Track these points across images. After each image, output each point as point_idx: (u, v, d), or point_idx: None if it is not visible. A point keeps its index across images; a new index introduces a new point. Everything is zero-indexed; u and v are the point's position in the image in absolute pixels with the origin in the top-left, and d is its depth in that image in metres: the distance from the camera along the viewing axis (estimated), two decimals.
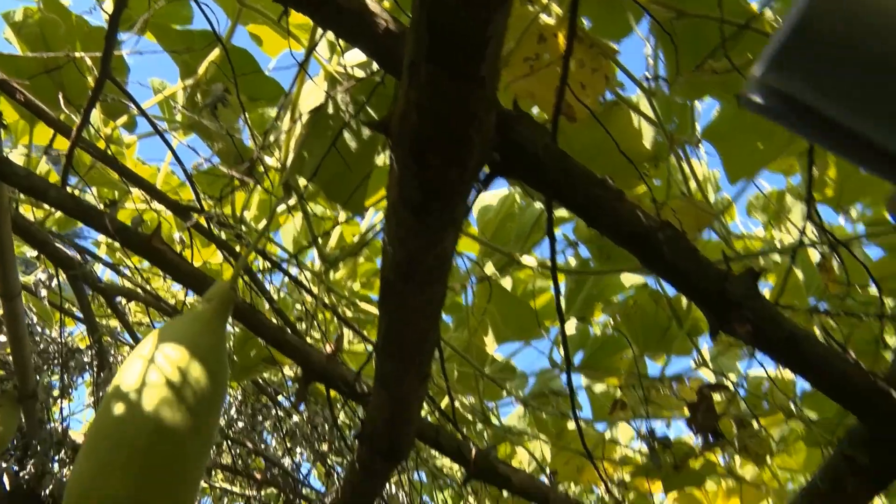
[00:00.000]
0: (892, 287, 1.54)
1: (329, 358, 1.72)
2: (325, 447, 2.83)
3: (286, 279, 1.80)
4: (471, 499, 2.57)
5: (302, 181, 1.26)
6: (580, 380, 2.16)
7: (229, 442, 2.90)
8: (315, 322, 1.86)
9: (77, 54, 1.41)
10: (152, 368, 1.00)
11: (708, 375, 1.81)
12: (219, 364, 1.07)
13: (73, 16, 1.53)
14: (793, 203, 1.71)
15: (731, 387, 1.71)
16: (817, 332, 1.50)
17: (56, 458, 2.69)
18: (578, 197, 0.99)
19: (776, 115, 0.40)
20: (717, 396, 1.44)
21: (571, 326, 2.11)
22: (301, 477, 2.99)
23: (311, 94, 1.22)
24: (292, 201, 1.45)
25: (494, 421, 2.13)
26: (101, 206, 1.51)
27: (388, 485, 3.08)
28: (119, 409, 0.98)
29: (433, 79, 0.76)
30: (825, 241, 1.34)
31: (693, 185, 1.38)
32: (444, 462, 2.72)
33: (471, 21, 0.70)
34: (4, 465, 2.58)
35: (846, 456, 1.33)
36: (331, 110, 1.18)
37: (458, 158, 0.82)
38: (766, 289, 1.80)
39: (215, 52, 1.39)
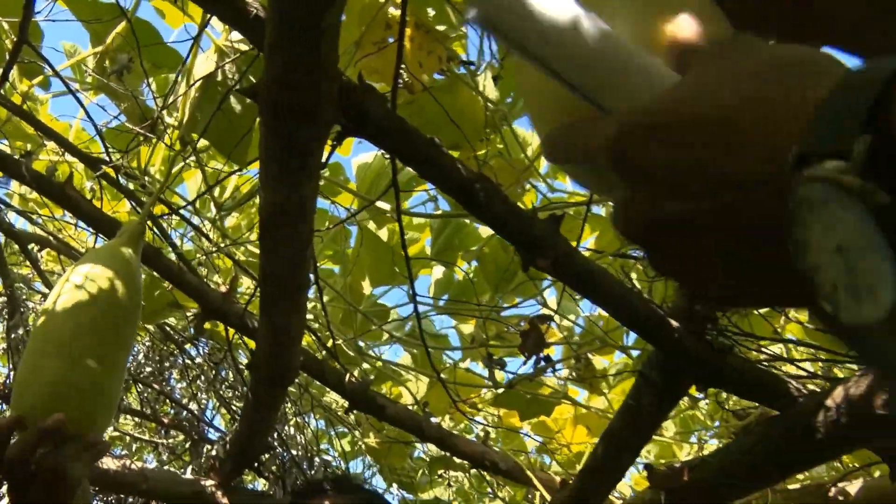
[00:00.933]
0: None
1: (224, 296, 1.94)
2: (228, 393, 3.05)
3: (188, 228, 2.02)
4: (357, 432, 2.84)
5: (196, 137, 1.48)
6: (450, 321, 2.46)
7: (138, 386, 3.09)
8: (213, 266, 2.08)
9: None
10: (74, 282, 1.21)
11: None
12: (132, 281, 1.28)
13: None
14: None
15: (570, 324, 2.03)
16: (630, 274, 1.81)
17: None
18: (414, 154, 1.24)
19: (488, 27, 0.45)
20: (550, 328, 1.73)
21: (439, 271, 2.40)
22: (207, 420, 3.20)
23: (204, 64, 1.43)
24: (190, 157, 1.66)
25: (373, 356, 2.40)
26: (18, 157, 1.69)
27: (287, 426, 3.31)
28: (47, 316, 1.20)
29: (285, 58, 1.00)
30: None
31: (518, 148, 1.66)
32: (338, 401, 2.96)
33: (310, 13, 0.94)
34: None
35: (643, 374, 1.64)
36: (220, 78, 1.40)
37: (308, 121, 1.06)
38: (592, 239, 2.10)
39: (122, 24, 1.57)
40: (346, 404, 2.22)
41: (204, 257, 2.10)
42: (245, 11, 1.09)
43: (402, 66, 1.30)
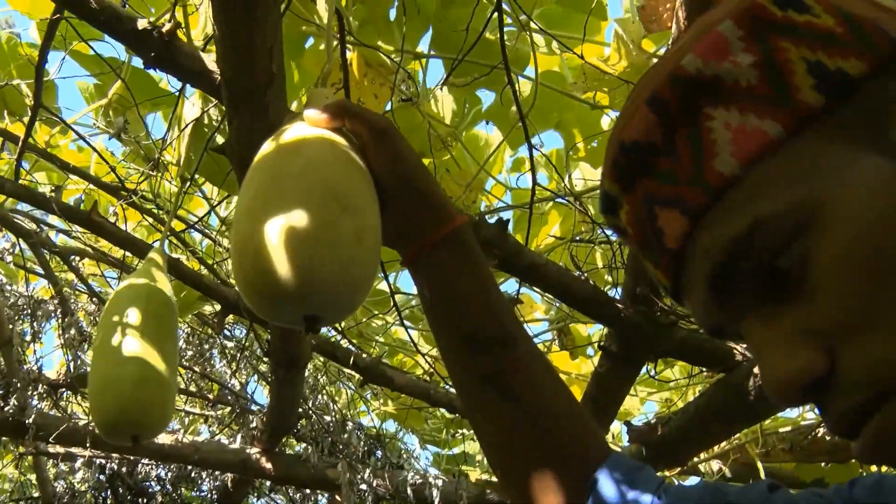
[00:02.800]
0: None
1: (239, 293, 2.20)
2: (263, 367, 3.34)
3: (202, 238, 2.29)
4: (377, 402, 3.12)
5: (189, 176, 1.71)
6: None
7: (183, 369, 3.40)
8: (227, 266, 2.34)
9: (15, 82, 1.82)
10: (123, 298, 1.46)
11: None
12: (167, 295, 1.53)
13: (4, 45, 1.92)
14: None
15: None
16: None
17: (34, 394, 3.16)
18: None
19: None
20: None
21: None
22: (248, 393, 3.51)
23: (192, 109, 1.65)
24: (189, 187, 1.90)
25: (380, 338, 2.66)
26: (49, 191, 1.95)
27: (320, 395, 3.61)
28: (106, 329, 1.44)
29: (241, 121, 1.22)
30: (566, 193, 1.83)
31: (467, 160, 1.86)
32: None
33: (254, 84, 1.16)
34: None
35: (603, 347, 1.86)
36: (206, 121, 1.61)
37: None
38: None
39: (120, 83, 1.79)
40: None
41: (216, 264, 2.37)
42: (212, 80, 1.31)
43: (361, 99, 1.51)
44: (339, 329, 2.37)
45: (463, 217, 0.80)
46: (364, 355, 2.39)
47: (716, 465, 2.61)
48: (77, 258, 2.78)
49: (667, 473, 2.10)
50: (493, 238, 1.50)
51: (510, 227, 1.53)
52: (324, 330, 2.82)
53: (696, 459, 2.50)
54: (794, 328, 0.45)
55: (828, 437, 2.63)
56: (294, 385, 2.34)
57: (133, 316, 1.46)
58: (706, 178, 0.47)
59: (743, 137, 0.46)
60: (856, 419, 0.43)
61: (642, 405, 3.09)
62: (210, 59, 1.32)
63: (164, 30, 1.25)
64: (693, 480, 2.92)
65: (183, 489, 4.82)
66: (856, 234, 0.43)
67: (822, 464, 2.82)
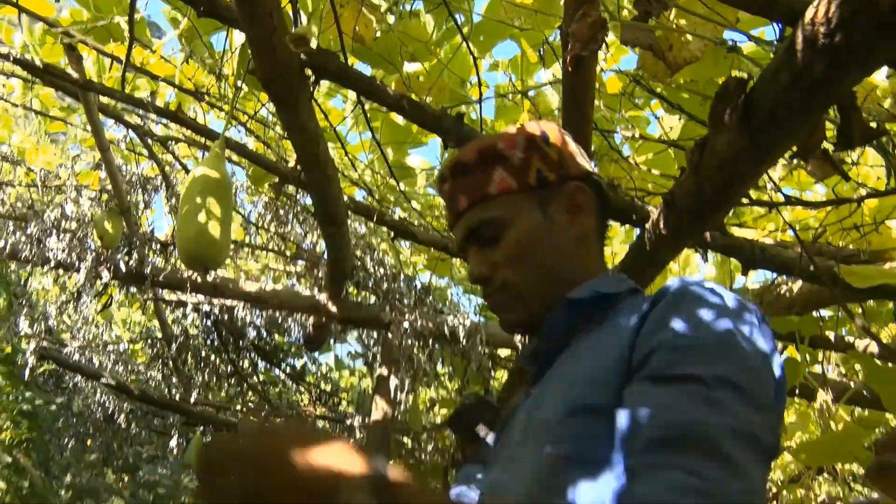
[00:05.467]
0: None
1: (293, 169, 2.87)
2: None
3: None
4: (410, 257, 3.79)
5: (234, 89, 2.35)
6: None
7: (265, 231, 4.15)
8: (280, 149, 3.01)
9: (116, 19, 2.46)
10: (197, 175, 2.17)
11: None
12: (224, 172, 2.22)
13: None
14: None
15: None
16: None
17: (149, 250, 3.98)
18: (359, 85, 2.06)
19: None
20: None
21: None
22: (317, 249, 4.25)
23: (239, 35, 2.27)
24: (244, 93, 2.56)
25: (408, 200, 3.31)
26: (146, 96, 2.63)
27: (377, 252, 4.30)
28: (185, 195, 2.16)
29: (263, 66, 1.82)
30: (513, 91, 2.36)
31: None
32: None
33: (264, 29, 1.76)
34: (119, 256, 3.86)
35: None
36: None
37: (286, 85, 1.91)
38: None
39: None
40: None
41: (270, 147, 3.03)
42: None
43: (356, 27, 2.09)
44: (371, 193, 3.02)
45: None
46: (395, 216, 3.04)
47: None
48: (173, 143, 3.51)
49: None
50: (452, 128, 2.08)
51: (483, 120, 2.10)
52: (359, 193, 3.49)
53: None
54: (484, 258, 1.09)
55: (794, 291, 3.07)
56: (340, 239, 3.01)
57: (197, 192, 2.16)
58: (484, 192, 1.10)
59: (502, 181, 1.08)
60: (487, 295, 1.10)
61: None
62: None
63: None
64: None
65: (276, 334, 5.73)
66: (516, 235, 1.07)
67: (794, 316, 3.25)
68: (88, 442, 5.82)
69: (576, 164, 1.12)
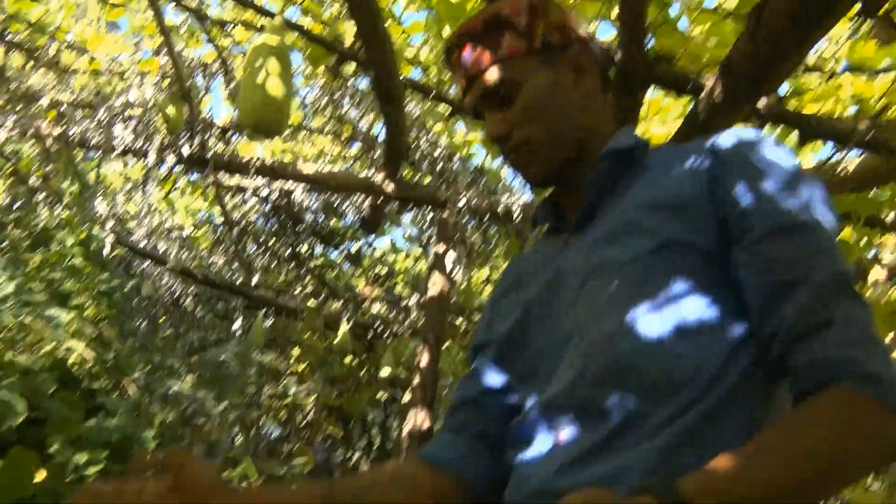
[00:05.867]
0: None
1: (351, 47, 2.92)
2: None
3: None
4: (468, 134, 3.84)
5: None
6: None
7: (321, 115, 4.24)
8: (337, 28, 3.06)
9: None
10: (258, 46, 2.25)
11: None
12: (284, 44, 2.29)
13: None
14: None
15: None
16: None
17: (210, 135, 4.09)
18: None
19: None
20: None
21: None
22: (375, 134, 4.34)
23: None
24: None
25: None
26: None
27: (431, 132, 4.36)
28: (248, 66, 2.24)
29: None
30: None
31: None
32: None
33: None
34: (182, 141, 3.99)
35: None
36: None
37: None
38: None
39: None
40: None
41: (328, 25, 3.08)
42: None
43: None
44: (427, 72, 3.06)
45: None
46: (451, 94, 3.08)
47: None
48: (230, 26, 3.57)
49: None
50: None
51: None
52: (416, 72, 3.53)
53: None
54: (501, 118, 1.12)
55: (849, 171, 3.06)
56: (396, 117, 3.07)
57: (260, 61, 2.24)
58: (494, 56, 1.13)
59: (510, 46, 1.11)
60: (508, 153, 1.14)
61: None
62: None
63: None
64: None
65: (332, 219, 5.91)
66: (529, 94, 1.10)
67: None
68: (162, 319, 6.14)
69: (576, 28, 1.17)
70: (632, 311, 0.95)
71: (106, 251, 4.55)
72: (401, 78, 2.79)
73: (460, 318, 5.81)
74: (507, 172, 4.60)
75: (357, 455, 8.13)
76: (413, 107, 4.04)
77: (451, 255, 3.97)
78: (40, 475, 2.65)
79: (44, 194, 4.25)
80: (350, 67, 3.28)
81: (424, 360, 3.74)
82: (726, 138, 1.01)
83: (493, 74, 1.11)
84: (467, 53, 1.15)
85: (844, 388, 0.81)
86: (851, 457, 0.81)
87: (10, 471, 2.48)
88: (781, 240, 0.91)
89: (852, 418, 0.81)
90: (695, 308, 0.93)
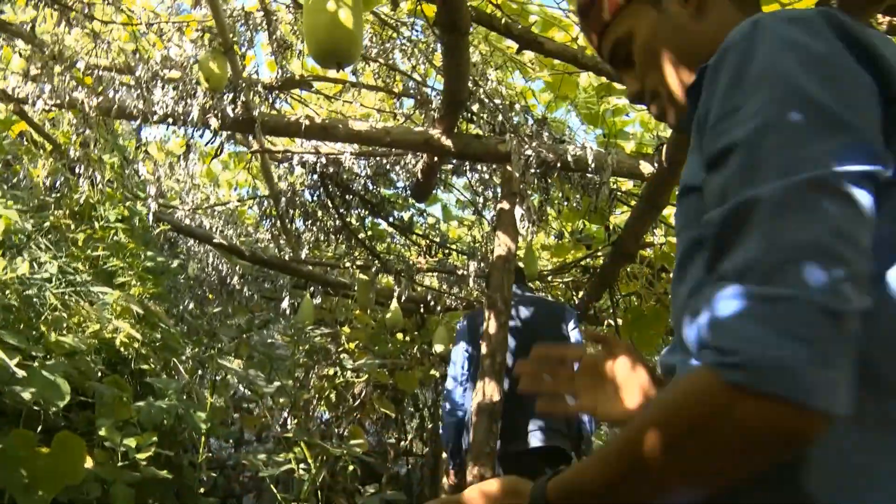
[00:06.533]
0: None
1: None
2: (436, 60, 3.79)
3: None
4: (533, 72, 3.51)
5: None
6: None
7: (370, 65, 3.93)
8: None
9: None
10: None
11: None
12: None
13: None
14: None
15: None
16: None
17: (254, 95, 3.82)
18: None
19: None
20: None
21: None
22: (429, 84, 4.02)
23: None
24: None
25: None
26: None
27: (490, 82, 4.04)
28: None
29: None
30: None
31: None
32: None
33: None
34: (225, 103, 3.72)
35: None
36: None
37: None
38: None
39: None
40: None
41: None
42: None
43: None
44: (496, 4, 2.74)
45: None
46: (519, 25, 2.76)
47: None
48: None
49: None
50: None
51: None
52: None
53: None
54: (632, 77, 1.11)
55: None
56: (459, 52, 2.76)
57: None
58: (603, 21, 1.12)
59: (610, 2, 1.10)
60: (650, 104, 1.11)
61: None
62: None
63: None
64: None
65: (382, 187, 5.62)
66: (641, 42, 1.07)
67: None
68: (210, 296, 5.96)
69: None
70: None
71: (149, 224, 4.32)
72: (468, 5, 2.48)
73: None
74: (572, 123, 4.26)
75: (409, 437, 7.91)
76: (472, 51, 3.71)
77: (517, 212, 3.66)
78: (89, 462, 2.42)
79: (83, 166, 4.01)
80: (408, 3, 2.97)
81: (492, 326, 3.45)
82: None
83: (608, 38, 1.11)
84: (586, 28, 1.15)
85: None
86: (678, 440, 0.70)
87: (58, 457, 2.25)
88: (712, 174, 0.80)
89: (685, 397, 0.71)
90: None
